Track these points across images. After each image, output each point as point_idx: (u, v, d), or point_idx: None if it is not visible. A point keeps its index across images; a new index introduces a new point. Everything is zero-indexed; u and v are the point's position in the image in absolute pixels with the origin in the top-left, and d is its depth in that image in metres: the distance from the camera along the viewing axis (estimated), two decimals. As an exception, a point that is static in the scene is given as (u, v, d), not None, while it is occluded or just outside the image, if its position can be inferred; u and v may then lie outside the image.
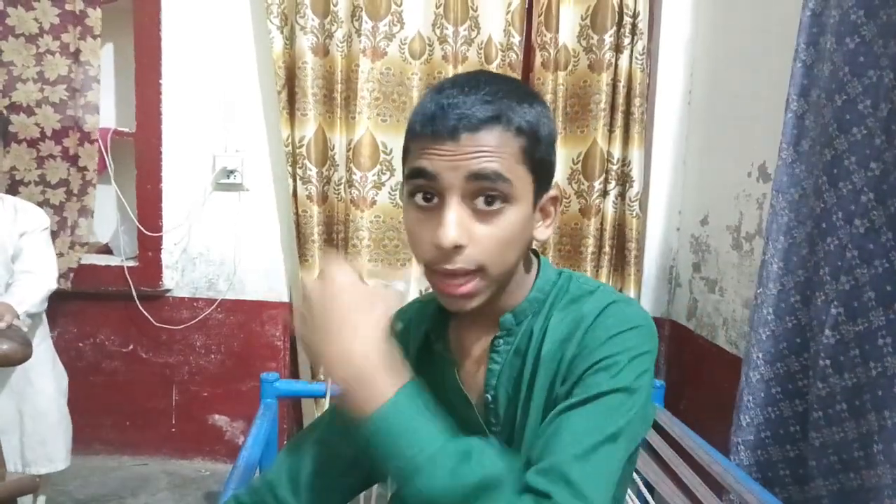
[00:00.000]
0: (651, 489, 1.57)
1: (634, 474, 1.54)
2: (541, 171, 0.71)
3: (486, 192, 0.66)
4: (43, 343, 1.89)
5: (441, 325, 0.82)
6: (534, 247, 0.81)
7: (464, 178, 0.66)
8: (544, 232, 0.76)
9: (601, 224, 2.35)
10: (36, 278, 1.81)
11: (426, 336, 0.83)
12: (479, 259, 0.67)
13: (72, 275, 2.33)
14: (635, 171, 2.30)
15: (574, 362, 0.69)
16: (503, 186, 0.66)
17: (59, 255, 2.29)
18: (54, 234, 2.29)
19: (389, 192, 2.31)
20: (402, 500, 0.85)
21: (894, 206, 1.19)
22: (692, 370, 2.29)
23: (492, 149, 0.66)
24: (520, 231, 0.70)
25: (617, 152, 2.31)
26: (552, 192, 0.75)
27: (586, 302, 0.73)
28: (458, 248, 0.67)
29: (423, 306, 0.86)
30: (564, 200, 2.41)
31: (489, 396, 0.77)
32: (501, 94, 0.67)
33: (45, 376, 1.84)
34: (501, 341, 0.76)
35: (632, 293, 2.35)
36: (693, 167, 2.38)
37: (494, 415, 0.77)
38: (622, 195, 2.35)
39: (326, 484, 0.79)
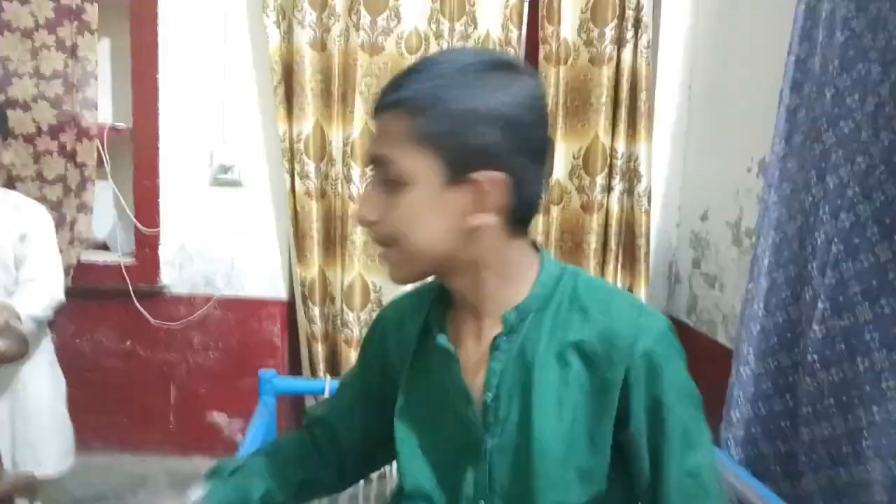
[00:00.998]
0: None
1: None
2: (451, 152, 0.67)
3: (382, 174, 0.70)
4: (43, 346, 1.85)
5: (441, 316, 0.80)
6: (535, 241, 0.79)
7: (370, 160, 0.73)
8: (480, 219, 0.69)
9: (605, 220, 2.34)
10: (41, 287, 1.70)
11: (426, 325, 0.81)
12: (387, 233, 0.71)
13: (72, 272, 2.32)
14: (643, 167, 2.29)
15: (640, 406, 0.71)
16: (393, 169, 0.69)
17: (59, 251, 2.28)
18: (52, 232, 2.28)
19: (387, 189, 2.30)
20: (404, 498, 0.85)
21: (880, 200, 1.18)
22: (691, 366, 2.28)
23: (385, 132, 0.69)
24: (427, 212, 0.69)
25: (621, 147, 2.29)
26: (486, 176, 0.67)
27: (616, 318, 0.72)
28: (371, 224, 0.72)
29: (418, 297, 0.85)
30: (565, 196, 2.39)
31: (490, 395, 0.75)
32: (422, 75, 0.67)
33: (40, 379, 1.80)
34: (504, 339, 0.74)
35: (641, 291, 2.33)
36: (693, 162, 2.37)
37: (494, 415, 0.75)
38: (629, 191, 2.33)
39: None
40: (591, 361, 0.71)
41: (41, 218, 1.77)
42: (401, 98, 0.68)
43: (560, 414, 0.71)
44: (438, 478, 0.80)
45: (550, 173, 0.76)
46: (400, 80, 0.69)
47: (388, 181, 0.70)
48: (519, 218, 0.72)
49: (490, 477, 0.76)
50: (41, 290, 1.71)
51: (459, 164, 0.67)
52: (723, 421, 1.55)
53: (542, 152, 0.71)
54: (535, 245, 0.78)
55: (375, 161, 0.71)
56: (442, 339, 0.77)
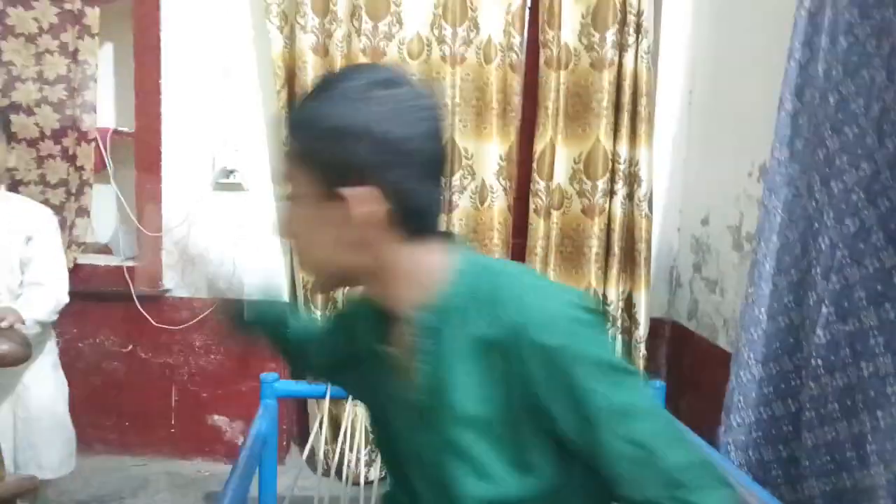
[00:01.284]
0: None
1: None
2: (322, 168, 0.69)
3: (286, 191, 0.75)
4: (47, 349, 1.86)
5: (384, 320, 0.80)
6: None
7: None
8: (359, 231, 0.70)
9: (607, 224, 2.35)
10: (46, 291, 1.72)
11: (372, 332, 0.83)
12: (294, 247, 0.78)
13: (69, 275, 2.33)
14: (643, 171, 2.29)
15: (546, 398, 0.67)
16: (289, 188, 0.73)
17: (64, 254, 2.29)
18: (54, 235, 2.29)
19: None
20: (392, 499, 0.87)
21: (885, 205, 1.19)
22: (693, 370, 2.29)
23: (285, 153, 0.73)
24: (312, 226, 0.73)
25: (623, 151, 2.30)
26: (352, 192, 0.68)
27: (512, 309, 0.69)
28: (287, 238, 0.78)
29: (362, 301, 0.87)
30: (566, 200, 2.40)
31: (419, 396, 0.75)
32: (308, 96, 0.71)
33: (43, 382, 1.80)
34: (422, 341, 0.74)
35: (642, 295, 2.33)
36: (694, 167, 2.38)
37: (425, 415, 0.75)
38: (630, 195, 2.33)
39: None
40: (500, 356, 0.69)
41: (47, 220, 1.78)
42: (289, 119, 0.72)
43: (480, 412, 0.70)
44: (399, 478, 0.84)
45: (438, 177, 0.71)
46: (297, 103, 0.74)
47: (290, 197, 0.74)
48: (410, 226, 0.71)
49: (427, 477, 0.77)
50: (47, 294, 1.72)
51: (330, 179, 0.69)
52: (722, 425, 1.55)
53: (424, 163, 0.70)
54: (450, 241, 0.77)
55: (285, 179, 0.76)
56: (379, 347, 0.80)
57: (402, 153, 0.68)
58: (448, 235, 0.77)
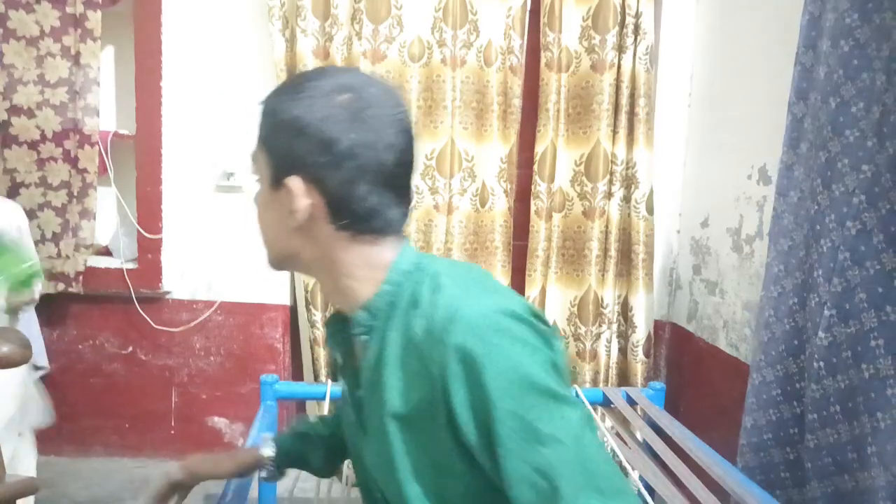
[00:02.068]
0: (651, 491, 1.56)
1: (635, 477, 1.53)
2: (273, 154, 0.73)
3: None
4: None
5: (343, 326, 0.80)
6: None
7: None
8: (297, 221, 0.72)
9: (606, 227, 2.35)
10: None
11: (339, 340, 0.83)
12: (256, 224, 0.79)
13: (81, 277, 2.33)
14: (641, 173, 2.30)
15: (473, 417, 0.64)
16: (252, 165, 0.77)
17: (66, 257, 2.30)
18: (57, 237, 2.30)
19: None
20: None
21: (885, 208, 1.19)
22: (692, 372, 2.29)
23: (256, 138, 0.76)
24: (262, 207, 0.77)
25: (621, 153, 2.30)
26: (289, 183, 0.70)
27: (437, 307, 0.67)
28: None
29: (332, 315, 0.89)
30: (567, 203, 2.40)
31: (359, 394, 0.78)
32: (275, 87, 0.76)
33: None
34: (363, 339, 0.74)
35: (641, 298, 2.33)
36: (693, 169, 2.38)
37: (364, 414, 0.77)
38: (627, 197, 2.34)
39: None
40: (422, 355, 0.67)
41: (19, 215, 1.77)
42: (261, 106, 0.75)
43: (403, 409, 0.70)
44: (359, 479, 0.86)
45: (395, 184, 0.69)
46: (270, 92, 0.76)
47: (255, 174, 0.77)
48: (354, 227, 0.72)
49: (369, 476, 0.79)
50: None
51: (279, 167, 0.72)
52: (741, 427, 1.56)
53: (375, 170, 0.70)
54: (401, 243, 0.77)
55: (251, 156, 0.79)
56: (329, 341, 0.83)
57: (349, 156, 0.69)
58: (400, 237, 0.77)
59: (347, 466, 2.05)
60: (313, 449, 1.04)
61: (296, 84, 0.73)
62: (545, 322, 0.69)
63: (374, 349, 0.73)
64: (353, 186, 0.70)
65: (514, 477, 0.62)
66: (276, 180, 0.72)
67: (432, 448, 0.69)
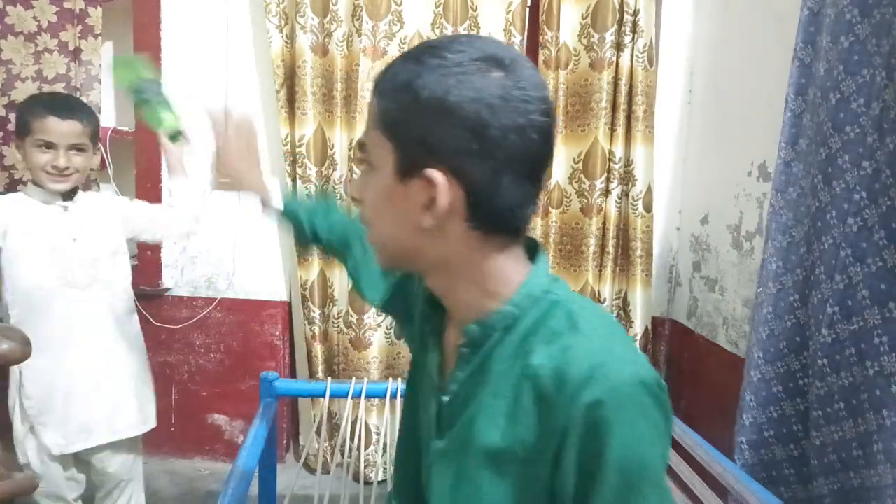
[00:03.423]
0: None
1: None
2: (403, 139, 0.62)
3: (362, 154, 0.69)
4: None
5: (437, 308, 0.75)
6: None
7: None
8: (432, 219, 0.63)
9: (604, 223, 2.35)
10: (178, 204, 1.82)
11: (425, 309, 0.78)
12: (363, 214, 0.71)
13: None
14: (638, 170, 2.30)
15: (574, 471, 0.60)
16: (364, 151, 0.67)
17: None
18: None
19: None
20: (399, 497, 0.85)
21: (886, 204, 1.19)
22: (692, 369, 2.29)
23: (368, 113, 0.67)
24: (382, 201, 0.66)
25: (619, 151, 2.30)
26: (426, 175, 0.61)
27: (574, 357, 0.60)
28: (356, 201, 0.71)
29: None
30: (565, 199, 2.40)
31: (445, 399, 0.71)
32: (408, 59, 0.63)
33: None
34: (467, 351, 0.68)
35: (638, 295, 2.34)
36: (693, 166, 2.38)
37: (447, 420, 0.71)
38: (626, 194, 2.34)
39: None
40: (540, 400, 0.61)
41: (114, 197, 1.86)
42: (379, 79, 0.64)
43: (498, 443, 0.64)
44: (403, 475, 0.82)
45: (537, 185, 0.64)
46: (391, 63, 0.65)
47: (366, 162, 0.68)
48: (489, 226, 0.64)
49: (430, 481, 0.73)
50: (182, 204, 1.82)
51: (411, 156, 0.62)
52: (735, 424, 1.56)
53: (518, 158, 0.61)
54: (534, 255, 0.70)
55: (360, 141, 0.74)
56: (429, 337, 0.76)
57: (494, 142, 0.60)
58: (532, 244, 0.71)
59: (353, 462, 2.05)
60: (314, 220, 1.11)
61: (435, 54, 0.61)
62: (665, 392, 0.63)
63: (475, 363, 0.67)
64: (498, 178, 0.61)
65: None
66: (405, 171, 0.62)
67: (516, 484, 0.64)
